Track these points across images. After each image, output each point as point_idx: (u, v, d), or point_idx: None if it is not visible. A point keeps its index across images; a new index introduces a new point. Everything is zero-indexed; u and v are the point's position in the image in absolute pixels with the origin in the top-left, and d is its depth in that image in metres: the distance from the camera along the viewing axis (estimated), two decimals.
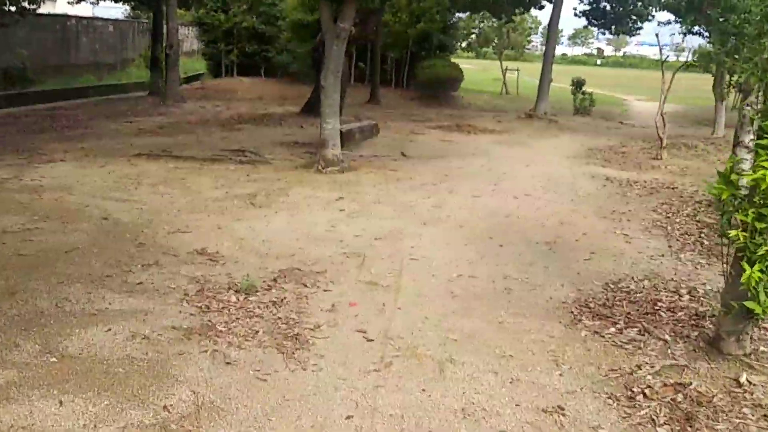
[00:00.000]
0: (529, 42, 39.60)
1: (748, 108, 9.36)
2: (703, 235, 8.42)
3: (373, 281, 6.43)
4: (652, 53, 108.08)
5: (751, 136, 9.64)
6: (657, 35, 15.17)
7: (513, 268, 7.03)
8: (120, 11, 38.65)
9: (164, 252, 6.98)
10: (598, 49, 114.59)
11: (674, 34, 17.30)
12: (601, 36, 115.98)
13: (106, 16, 40.21)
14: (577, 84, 26.03)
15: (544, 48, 26.93)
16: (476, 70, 46.07)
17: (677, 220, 9.16)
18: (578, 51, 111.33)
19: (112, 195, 9.41)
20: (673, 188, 11.46)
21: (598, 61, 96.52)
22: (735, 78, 17.19)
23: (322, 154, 11.64)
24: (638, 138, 18.36)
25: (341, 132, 13.60)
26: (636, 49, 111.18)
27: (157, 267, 6.54)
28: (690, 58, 16.91)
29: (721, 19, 15.98)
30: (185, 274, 6.39)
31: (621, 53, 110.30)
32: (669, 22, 19.05)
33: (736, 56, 16.82)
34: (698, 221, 9.04)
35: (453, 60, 32.33)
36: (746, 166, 5.57)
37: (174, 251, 7.04)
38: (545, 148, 16.03)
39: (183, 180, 10.53)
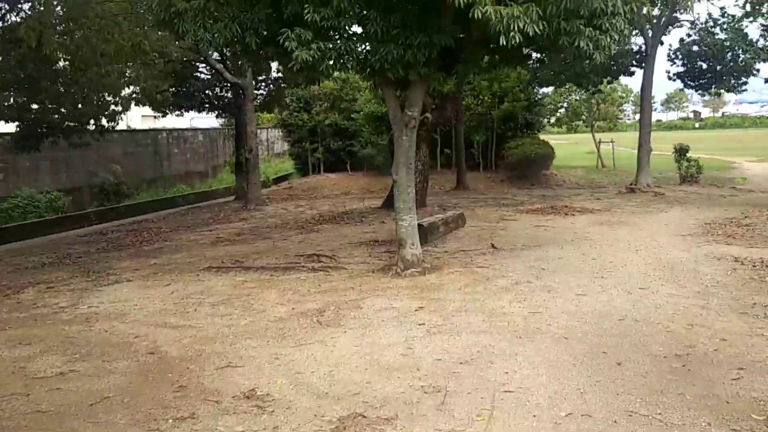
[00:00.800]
0: (622, 111, 37.71)
1: None
2: None
3: (457, 429, 4.98)
4: (753, 111, 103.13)
5: None
6: None
7: (638, 398, 5.40)
8: (216, 120, 39.93)
9: (205, 398, 5.80)
10: (695, 111, 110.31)
11: None
12: (696, 98, 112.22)
13: (202, 126, 41.70)
14: (681, 151, 23.99)
15: (637, 116, 25.16)
16: (568, 144, 44.50)
17: None
18: (672, 116, 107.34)
19: (168, 320, 8.45)
20: None
21: (696, 125, 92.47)
22: None
23: (400, 255, 10.41)
24: (761, 206, 16.18)
25: (422, 227, 12.40)
26: (736, 108, 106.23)
27: (191, 421, 5.34)
28: None
29: None
30: (223, 430, 5.16)
31: (720, 114, 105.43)
32: None
33: None
34: None
35: (542, 137, 31.00)
36: None
37: (217, 395, 5.85)
38: (654, 226, 14.19)
39: (248, 297, 9.50)
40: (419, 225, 12.58)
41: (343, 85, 30.06)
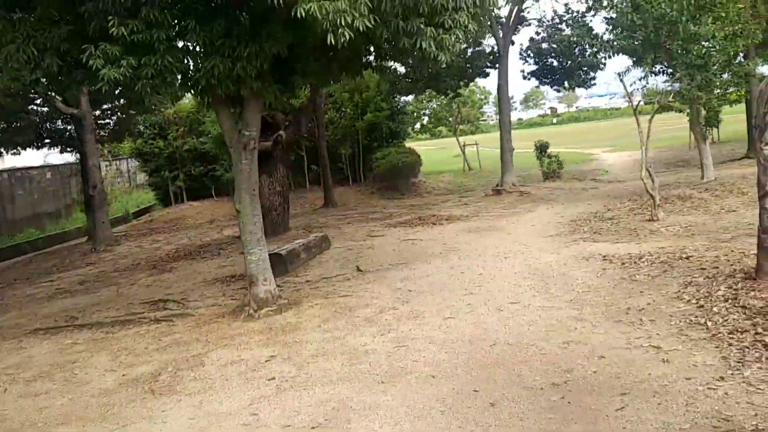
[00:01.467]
0: (483, 113, 38.21)
1: None
2: (759, 329, 6.05)
3: None
4: (603, 103, 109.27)
5: None
6: (621, 79, 13.26)
7: None
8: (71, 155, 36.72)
9: None
10: (552, 108, 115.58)
11: (634, 81, 15.67)
12: (552, 94, 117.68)
13: (56, 162, 38.28)
14: (541, 148, 24.21)
15: (498, 117, 25.27)
16: (435, 150, 44.68)
17: (715, 310, 6.79)
18: (532, 113, 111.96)
19: None
20: (687, 257, 9.16)
21: (554, 120, 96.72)
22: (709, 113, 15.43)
23: (252, 294, 9.23)
24: (621, 197, 16.26)
25: (280, 256, 11.31)
26: (588, 102, 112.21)
27: None
28: (652, 100, 15.13)
29: (682, 52, 14.24)
30: None
31: (574, 108, 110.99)
32: (628, 70, 17.25)
33: (708, 88, 15.09)
34: (744, 306, 6.67)
35: (408, 145, 30.65)
36: None
37: None
38: (522, 228, 13.79)
39: (73, 365, 7.99)
40: (277, 254, 11.48)
41: (200, 106, 28.32)
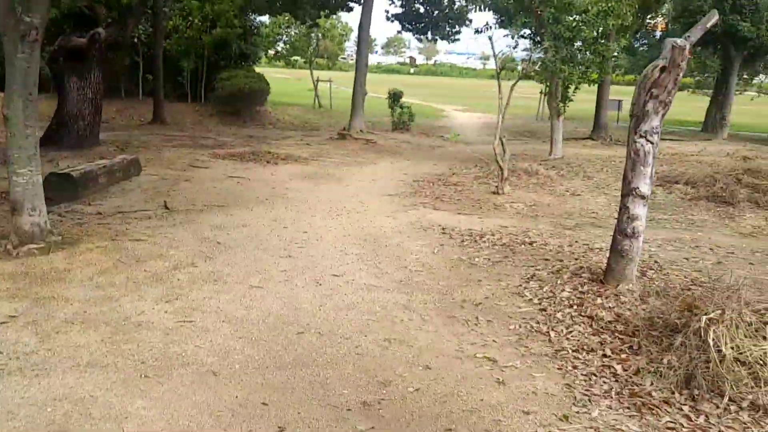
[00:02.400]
0: (343, 50, 36.44)
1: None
2: (607, 350, 5.20)
3: None
4: (461, 62, 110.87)
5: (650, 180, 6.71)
6: (491, 39, 12.19)
7: None
8: None
9: None
10: (411, 57, 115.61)
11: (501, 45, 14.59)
12: (413, 44, 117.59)
13: None
14: (394, 96, 23.03)
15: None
16: (292, 80, 42.41)
17: (559, 317, 5.89)
18: (392, 60, 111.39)
19: None
20: (531, 243, 8.34)
21: (412, 70, 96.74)
22: (572, 89, 14.90)
23: (14, 225, 7.23)
24: (468, 161, 15.49)
25: (71, 177, 9.27)
26: (447, 58, 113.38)
27: None
28: (510, 67, 14.39)
29: (553, 22, 13.46)
30: None
31: (432, 62, 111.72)
32: (488, 27, 16.33)
33: (572, 63, 14.50)
34: (590, 317, 5.82)
35: (259, 70, 28.38)
36: None
37: None
38: (361, 182, 12.56)
39: None
40: (66, 175, 9.44)
41: None
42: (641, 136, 6.16)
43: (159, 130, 19.27)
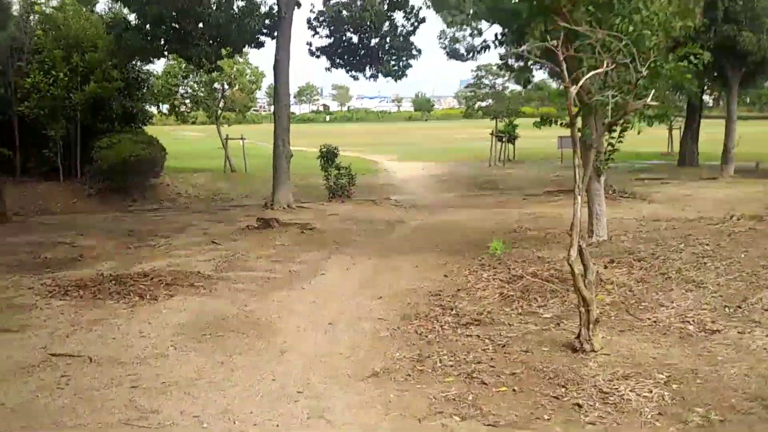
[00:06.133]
0: (254, 101, 30.46)
1: None
2: None
3: None
4: (373, 106, 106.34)
5: None
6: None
7: None
8: None
9: None
10: (324, 105, 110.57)
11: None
12: (326, 91, 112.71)
13: None
14: (328, 155, 17.08)
15: (273, 108, 17.75)
16: (201, 139, 36.08)
17: None
18: (305, 109, 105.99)
19: None
20: None
21: (327, 118, 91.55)
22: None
23: None
24: (457, 246, 9.75)
25: None
26: (360, 103, 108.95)
27: None
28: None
29: (595, 26, 8.08)
30: None
31: (346, 108, 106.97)
32: (491, 43, 10.84)
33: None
34: None
35: (159, 130, 22.15)
36: None
37: None
38: (308, 332, 6.59)
39: None
40: None
41: None
42: None
43: None
